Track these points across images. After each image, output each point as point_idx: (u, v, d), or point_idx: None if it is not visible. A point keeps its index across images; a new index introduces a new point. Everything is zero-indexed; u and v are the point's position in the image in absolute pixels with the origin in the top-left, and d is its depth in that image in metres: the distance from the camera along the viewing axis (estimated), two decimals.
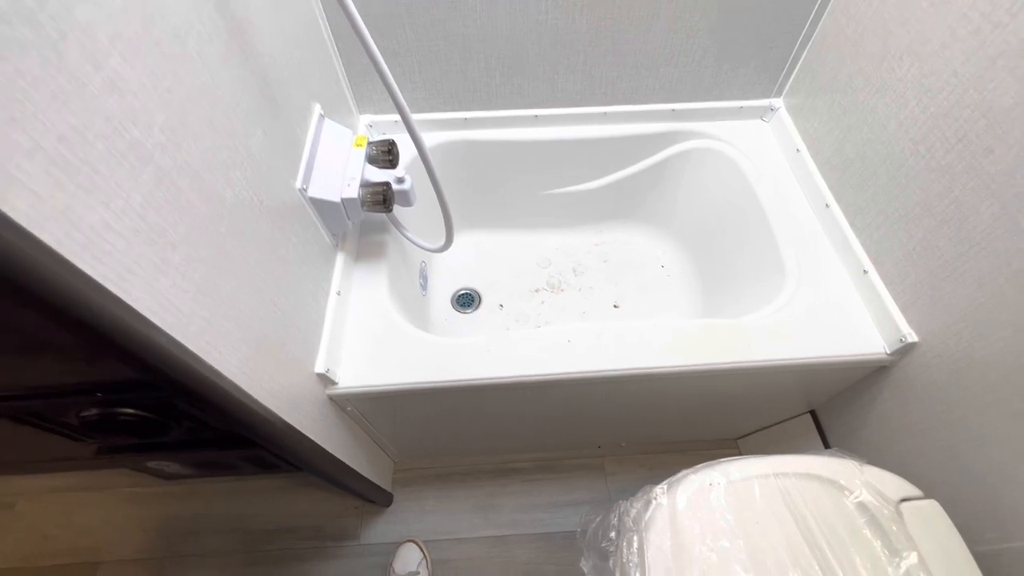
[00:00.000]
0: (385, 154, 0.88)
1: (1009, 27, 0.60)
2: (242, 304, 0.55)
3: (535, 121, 1.11)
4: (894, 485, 0.69)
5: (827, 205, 0.94)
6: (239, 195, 0.56)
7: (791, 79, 1.05)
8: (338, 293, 0.84)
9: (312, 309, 0.76)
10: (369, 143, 0.86)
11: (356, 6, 0.59)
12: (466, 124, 1.10)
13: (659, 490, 0.72)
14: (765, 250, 0.98)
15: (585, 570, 0.75)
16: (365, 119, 1.08)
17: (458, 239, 1.29)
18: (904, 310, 0.79)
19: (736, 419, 1.12)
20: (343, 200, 0.79)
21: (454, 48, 0.96)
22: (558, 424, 1.04)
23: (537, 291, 1.24)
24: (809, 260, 0.92)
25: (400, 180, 0.86)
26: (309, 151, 0.77)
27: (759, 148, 1.09)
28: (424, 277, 1.16)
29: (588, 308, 1.20)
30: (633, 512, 0.71)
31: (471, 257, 1.27)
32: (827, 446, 0.99)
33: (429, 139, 1.10)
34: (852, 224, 0.89)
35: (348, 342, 0.83)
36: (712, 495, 0.69)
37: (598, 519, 0.77)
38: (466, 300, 1.22)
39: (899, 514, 0.66)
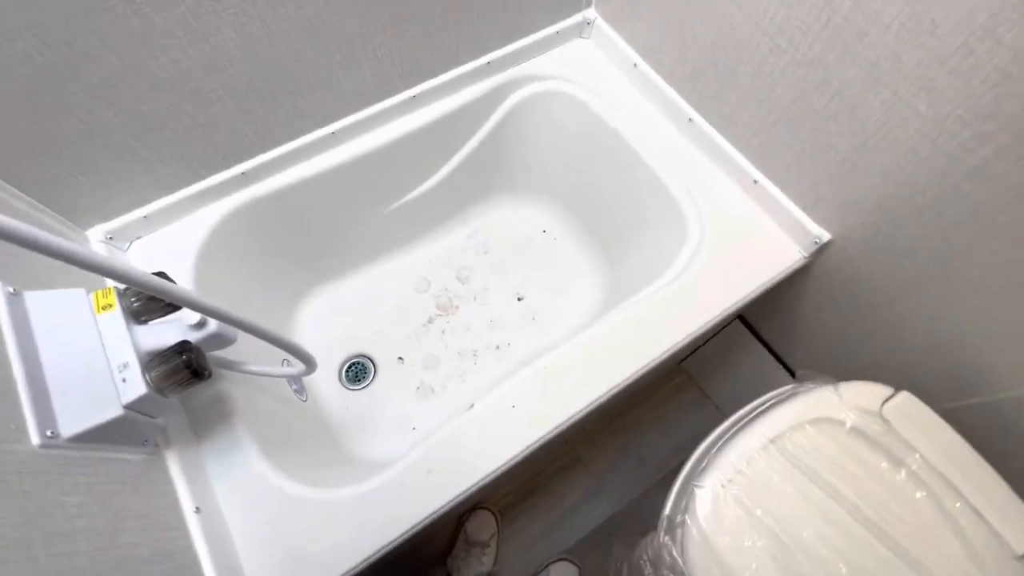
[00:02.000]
0: (151, 300, 0.59)
1: None
2: None
3: (335, 139, 0.85)
4: (869, 393, 0.68)
5: (690, 120, 0.85)
6: None
7: None
8: (197, 510, 0.58)
9: (177, 555, 0.52)
10: (120, 295, 0.57)
11: None
12: (247, 179, 0.81)
13: (677, 519, 0.64)
14: (648, 186, 0.88)
15: None
16: (96, 234, 0.73)
17: (311, 305, 1.03)
18: (809, 211, 0.75)
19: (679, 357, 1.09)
20: (127, 407, 0.52)
21: (174, 94, 0.65)
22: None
23: (431, 321, 1.05)
24: (695, 183, 0.84)
25: (199, 324, 0.59)
26: (21, 368, 0.47)
27: (592, 73, 0.95)
28: (298, 383, 0.90)
29: (492, 316, 1.05)
30: (664, 553, 0.64)
31: (336, 321, 1.03)
32: (764, 345, 1.00)
33: (209, 214, 0.79)
34: (725, 135, 0.81)
35: (248, 566, 0.60)
36: (727, 498, 0.63)
37: (625, 570, 0.69)
38: (358, 372, 1.00)
39: (886, 421, 0.66)
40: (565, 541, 1.06)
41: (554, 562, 1.02)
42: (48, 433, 0.46)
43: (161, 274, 0.59)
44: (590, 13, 0.95)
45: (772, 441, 0.66)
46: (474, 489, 0.64)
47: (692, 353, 1.18)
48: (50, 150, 0.61)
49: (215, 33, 0.61)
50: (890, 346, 0.75)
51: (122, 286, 0.58)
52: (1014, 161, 0.50)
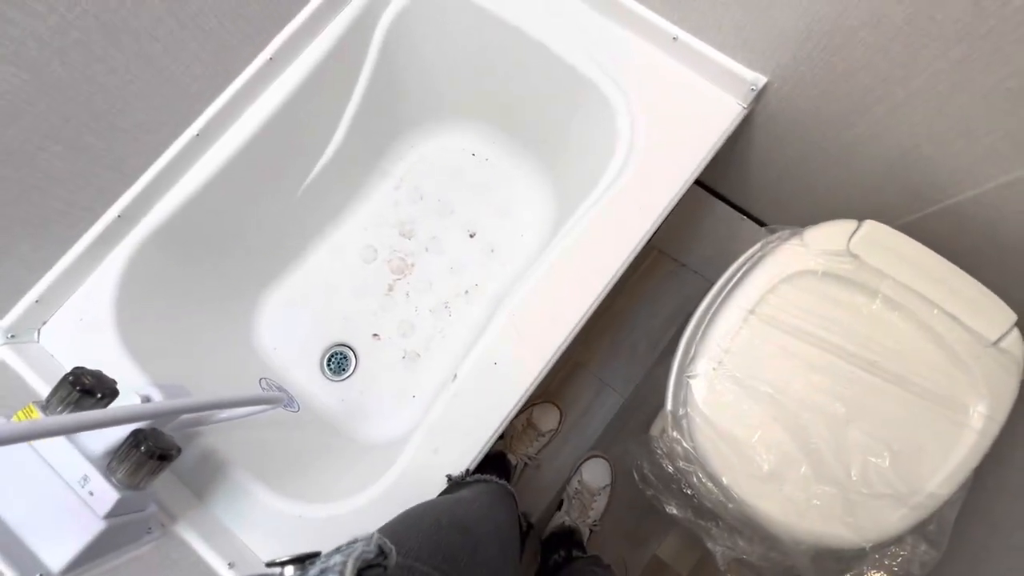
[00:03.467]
0: (84, 390, 0.54)
1: None
2: None
3: (202, 140, 0.73)
4: (834, 231, 0.67)
5: None
6: None
7: None
8: (231, 565, 0.59)
9: None
10: (44, 409, 0.52)
11: None
12: (127, 220, 0.71)
13: (680, 412, 0.66)
14: (556, 72, 0.78)
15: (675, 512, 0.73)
16: None
17: (267, 309, 0.98)
18: (738, 56, 0.68)
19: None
20: (107, 516, 0.49)
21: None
22: None
23: (391, 288, 1.00)
24: (611, 58, 0.75)
25: (145, 398, 0.55)
26: None
27: None
28: (286, 395, 0.88)
29: (451, 261, 1.00)
30: (675, 447, 0.67)
31: (298, 318, 0.98)
32: (727, 202, 0.97)
33: (106, 270, 0.71)
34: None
35: None
36: (720, 379, 0.65)
37: (646, 466, 0.73)
38: (340, 362, 0.98)
39: (854, 256, 0.66)
40: (587, 441, 1.13)
41: (585, 460, 1.10)
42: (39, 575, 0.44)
43: (79, 369, 0.54)
44: None
45: (751, 312, 0.66)
46: (486, 448, 0.65)
47: (658, 230, 1.16)
48: None
49: None
50: (846, 177, 0.73)
51: (43, 399, 0.52)
52: None
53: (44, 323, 0.70)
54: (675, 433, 0.67)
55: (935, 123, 0.58)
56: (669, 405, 0.69)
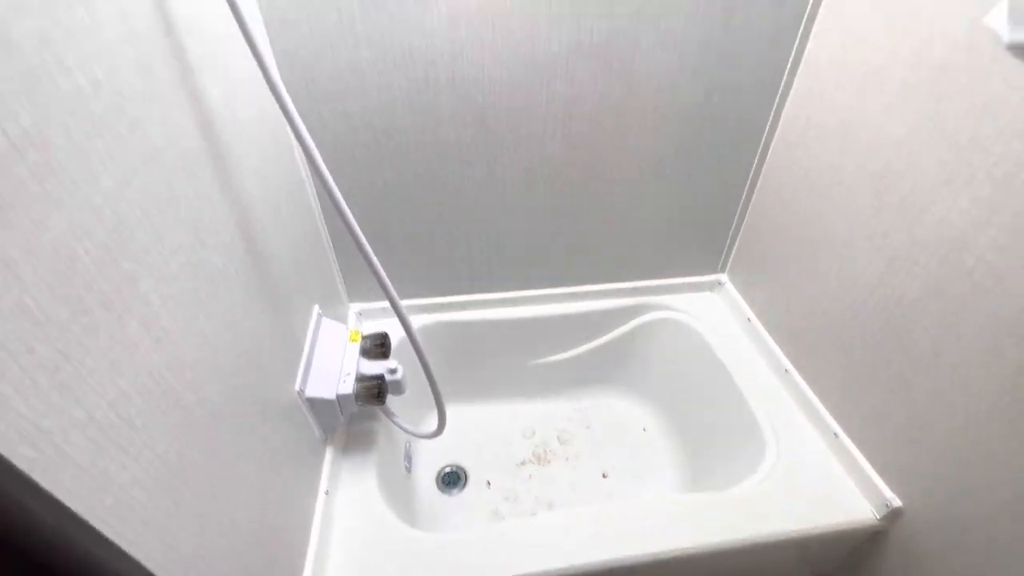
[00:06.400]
0: (378, 347, 0.93)
1: (900, 231, 0.75)
2: (236, 532, 0.54)
3: (513, 301, 1.21)
4: None
5: (786, 370, 1.02)
6: (246, 413, 0.58)
7: (731, 259, 1.22)
8: (326, 492, 0.81)
9: (300, 514, 0.73)
10: (363, 337, 0.92)
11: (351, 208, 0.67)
12: (449, 307, 1.19)
13: None
14: (740, 414, 1.03)
15: None
16: (356, 307, 1.16)
17: (453, 410, 1.31)
18: (882, 473, 0.82)
19: None
20: (338, 396, 0.81)
21: (441, 237, 1.07)
22: None
23: (523, 464, 1.22)
24: (783, 425, 0.97)
25: (392, 371, 0.90)
26: (307, 353, 0.81)
27: (714, 318, 1.21)
28: (409, 458, 1.14)
29: (576, 480, 1.18)
30: None
31: (455, 432, 1.26)
32: None
33: (414, 322, 1.17)
34: (814, 388, 0.97)
35: (335, 550, 0.78)
36: None
37: None
38: (452, 479, 1.19)
39: None
40: None
41: None
42: (300, 388, 0.77)
43: (384, 334, 0.94)
44: (723, 277, 1.25)
45: None
46: None
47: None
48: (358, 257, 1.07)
49: (480, 206, 1.06)
50: None
51: (366, 332, 0.94)
52: None
53: (370, 319, 1.18)
54: None
55: None
56: None
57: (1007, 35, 0.30)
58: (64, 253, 0.34)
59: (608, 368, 1.33)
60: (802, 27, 0.88)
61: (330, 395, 0.80)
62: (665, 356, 1.26)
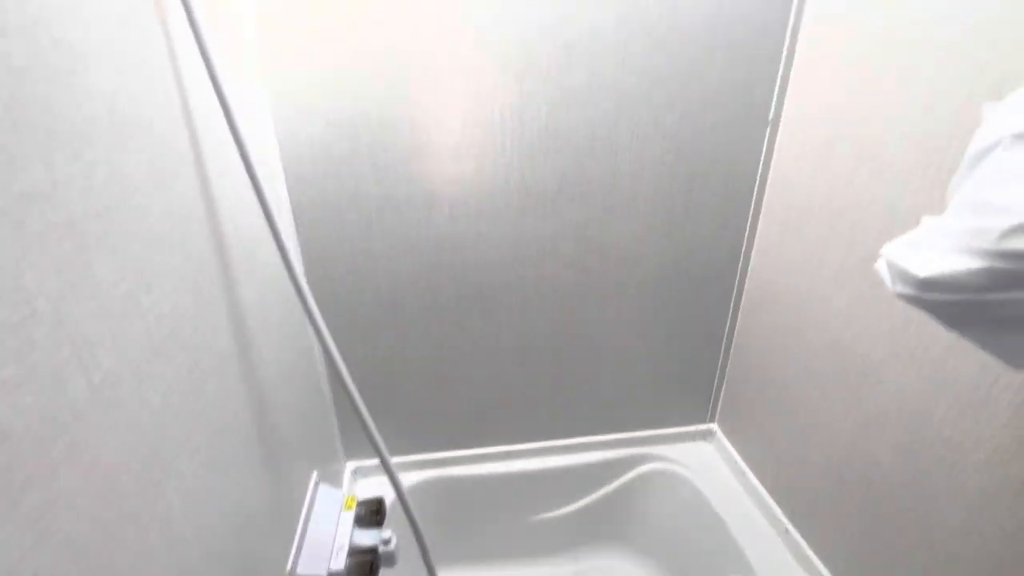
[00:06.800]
0: (373, 514, 0.93)
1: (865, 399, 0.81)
2: None
3: (506, 456, 1.22)
4: None
5: (787, 530, 1.01)
6: None
7: (719, 410, 1.26)
8: None
9: None
10: (359, 504, 0.92)
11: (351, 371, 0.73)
12: (443, 463, 1.20)
13: None
14: (728, 547, 0.99)
15: None
16: (351, 464, 1.16)
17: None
18: None
19: None
20: (330, 574, 0.79)
21: (441, 393, 1.12)
22: None
23: None
24: None
25: (386, 541, 0.88)
26: (303, 523, 0.81)
27: (710, 469, 1.21)
28: None
29: None
30: None
31: None
32: None
33: (406, 479, 1.16)
34: (816, 551, 0.95)
35: None
36: None
37: None
38: None
39: None
40: None
41: None
42: (291, 568, 0.76)
43: (379, 500, 0.94)
44: (713, 427, 1.28)
45: None
46: None
47: None
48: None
49: (479, 362, 1.12)
50: None
51: (362, 496, 0.94)
52: None
53: (365, 477, 1.17)
54: None
55: None
56: None
57: (890, 286, 0.39)
58: (110, 476, 0.39)
59: (606, 524, 1.29)
60: (751, 212, 1.03)
61: (322, 572, 0.79)
62: (663, 511, 1.23)
